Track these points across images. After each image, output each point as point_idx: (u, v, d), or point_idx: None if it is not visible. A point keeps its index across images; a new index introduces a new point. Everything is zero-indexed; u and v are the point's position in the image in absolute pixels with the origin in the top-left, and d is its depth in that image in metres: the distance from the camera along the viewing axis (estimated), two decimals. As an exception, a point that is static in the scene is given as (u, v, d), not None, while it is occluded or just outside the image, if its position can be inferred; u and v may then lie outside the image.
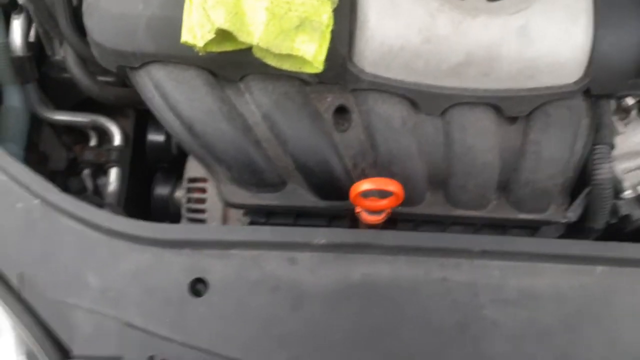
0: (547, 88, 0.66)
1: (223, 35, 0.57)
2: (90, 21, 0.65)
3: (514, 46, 0.63)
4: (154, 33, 0.63)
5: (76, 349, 0.60)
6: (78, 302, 0.60)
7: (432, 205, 0.72)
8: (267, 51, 0.59)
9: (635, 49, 0.66)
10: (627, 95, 0.71)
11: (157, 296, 0.60)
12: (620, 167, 0.73)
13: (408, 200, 0.71)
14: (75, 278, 0.61)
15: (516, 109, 0.67)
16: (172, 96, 0.65)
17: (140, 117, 1.04)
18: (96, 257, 0.61)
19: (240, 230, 0.61)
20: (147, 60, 0.65)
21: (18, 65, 0.89)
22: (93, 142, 1.02)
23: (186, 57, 0.64)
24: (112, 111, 1.01)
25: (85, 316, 0.60)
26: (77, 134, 1.04)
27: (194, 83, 0.65)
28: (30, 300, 0.60)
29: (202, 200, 0.89)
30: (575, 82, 0.66)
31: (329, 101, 0.68)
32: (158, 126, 0.96)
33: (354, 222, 0.72)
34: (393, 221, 0.72)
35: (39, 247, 0.61)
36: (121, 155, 0.98)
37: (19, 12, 0.88)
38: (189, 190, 0.89)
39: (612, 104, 0.73)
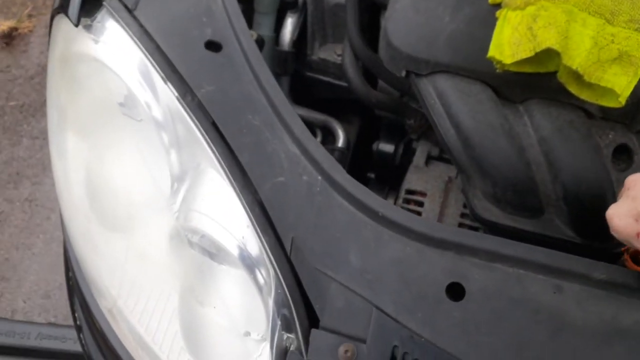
0: None
1: (533, 57, 0.59)
2: (392, 25, 0.70)
3: None
4: (454, 45, 0.67)
5: (324, 320, 0.63)
6: (336, 276, 0.64)
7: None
8: (573, 77, 0.60)
9: None
10: None
11: (413, 290, 0.62)
12: None
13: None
14: (338, 253, 0.64)
15: None
16: (456, 106, 0.68)
17: (363, 127, 1.10)
18: (361, 239, 0.64)
19: (512, 244, 0.61)
20: (437, 69, 0.68)
21: (282, 58, 0.99)
22: (318, 139, 1.09)
23: (476, 72, 0.67)
24: (339, 115, 1.08)
25: (339, 291, 0.63)
26: (305, 128, 1.12)
27: (480, 97, 0.67)
28: (295, 263, 0.65)
29: (417, 214, 0.90)
30: None
31: (611, 138, 0.67)
32: (389, 137, 1.01)
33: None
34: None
35: (313, 218, 0.66)
36: (342, 156, 1.04)
37: (295, 11, 0.98)
38: (406, 201, 0.92)
39: None
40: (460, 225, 0.84)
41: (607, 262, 0.66)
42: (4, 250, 1.82)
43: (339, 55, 1.00)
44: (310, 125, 1.09)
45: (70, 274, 0.86)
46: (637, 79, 0.59)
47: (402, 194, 0.91)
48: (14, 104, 2.04)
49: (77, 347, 1.00)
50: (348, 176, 0.66)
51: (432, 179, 0.91)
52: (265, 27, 1.02)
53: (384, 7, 0.87)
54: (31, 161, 1.88)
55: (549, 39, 0.58)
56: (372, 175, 1.08)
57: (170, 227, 0.67)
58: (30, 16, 2.18)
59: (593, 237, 0.67)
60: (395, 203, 0.93)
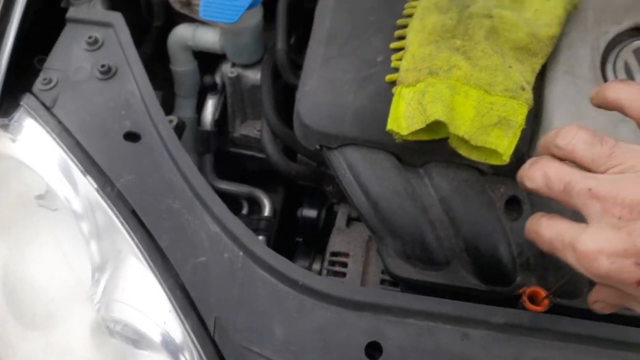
0: None
1: (426, 126, 0.67)
2: (303, 106, 0.77)
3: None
4: (359, 120, 0.74)
5: (253, 397, 0.65)
6: (261, 351, 0.66)
7: (592, 301, 0.73)
8: (462, 142, 0.68)
9: None
10: None
11: (335, 355, 0.65)
12: None
13: (570, 293, 0.73)
14: (263, 327, 0.67)
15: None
16: (365, 175, 0.74)
17: (288, 195, 1.15)
18: (284, 310, 0.68)
19: (422, 300, 0.66)
20: (346, 142, 0.75)
21: (204, 138, 1.04)
22: (244, 211, 1.13)
23: (380, 143, 0.74)
24: (264, 186, 1.13)
25: (266, 365, 0.66)
26: (230, 201, 1.16)
27: (385, 165, 0.74)
28: (220, 343, 0.67)
29: (342, 274, 0.95)
30: None
31: (502, 191, 0.74)
32: (311, 203, 1.06)
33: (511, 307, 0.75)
34: (551, 311, 0.74)
35: (237, 294, 0.68)
36: (269, 225, 1.08)
37: (215, 94, 1.04)
38: (331, 263, 0.96)
39: None
40: (382, 281, 0.88)
41: (511, 305, 0.72)
42: None
43: (259, 131, 1.06)
44: (237, 198, 1.13)
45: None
46: (517, 139, 0.67)
47: (327, 257, 0.96)
48: None
49: None
50: (268, 249, 0.69)
51: (354, 239, 0.97)
52: (187, 110, 1.07)
53: (296, 88, 0.94)
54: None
55: (436, 112, 0.66)
56: (301, 240, 1.12)
57: (91, 319, 0.67)
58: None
59: (494, 283, 0.73)
60: (322, 266, 0.98)
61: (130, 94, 0.78)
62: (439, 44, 0.71)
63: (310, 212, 1.05)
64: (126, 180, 0.73)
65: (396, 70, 0.76)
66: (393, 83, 0.75)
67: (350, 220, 1.00)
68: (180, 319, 0.66)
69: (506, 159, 0.67)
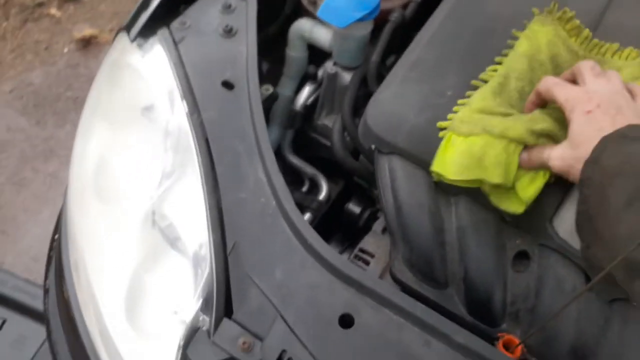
0: None
1: None
2: (371, 109, 0.88)
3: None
4: (411, 137, 0.83)
5: (237, 315, 0.75)
6: (259, 283, 0.77)
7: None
8: (494, 189, 0.76)
9: None
10: None
11: (314, 310, 0.74)
12: None
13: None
14: (267, 266, 0.78)
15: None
16: (399, 182, 0.83)
17: (345, 189, 1.26)
18: (288, 260, 0.78)
19: (400, 296, 0.73)
20: (394, 151, 0.85)
21: (292, 115, 1.18)
22: (304, 188, 1.26)
23: (423, 162, 0.82)
24: (328, 174, 1.25)
25: (257, 295, 0.76)
26: (295, 176, 1.29)
27: (420, 181, 0.82)
28: (231, 263, 0.78)
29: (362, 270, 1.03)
30: None
31: (517, 243, 0.79)
32: (359, 201, 1.16)
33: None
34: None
35: (258, 233, 0.80)
36: (319, 207, 1.19)
37: (313, 82, 1.18)
38: (356, 257, 1.05)
39: None
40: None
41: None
42: (14, 209, 2.02)
43: (339, 123, 1.18)
44: (301, 175, 1.26)
45: (57, 236, 1.01)
46: (534, 195, 0.75)
47: (356, 250, 1.05)
48: (70, 95, 2.33)
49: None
50: (295, 208, 0.81)
51: (383, 246, 1.04)
52: (287, 89, 1.22)
53: (374, 95, 1.05)
54: (67, 144, 2.11)
55: (498, 176, 0.74)
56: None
57: (145, 207, 0.83)
58: (111, 30, 2.51)
59: (479, 319, 0.78)
60: (348, 257, 1.07)
61: (239, 53, 0.94)
62: (504, 107, 0.79)
63: (355, 208, 1.15)
64: (210, 114, 0.88)
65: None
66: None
67: (386, 229, 1.08)
68: (209, 233, 0.79)
69: (522, 208, 0.74)
